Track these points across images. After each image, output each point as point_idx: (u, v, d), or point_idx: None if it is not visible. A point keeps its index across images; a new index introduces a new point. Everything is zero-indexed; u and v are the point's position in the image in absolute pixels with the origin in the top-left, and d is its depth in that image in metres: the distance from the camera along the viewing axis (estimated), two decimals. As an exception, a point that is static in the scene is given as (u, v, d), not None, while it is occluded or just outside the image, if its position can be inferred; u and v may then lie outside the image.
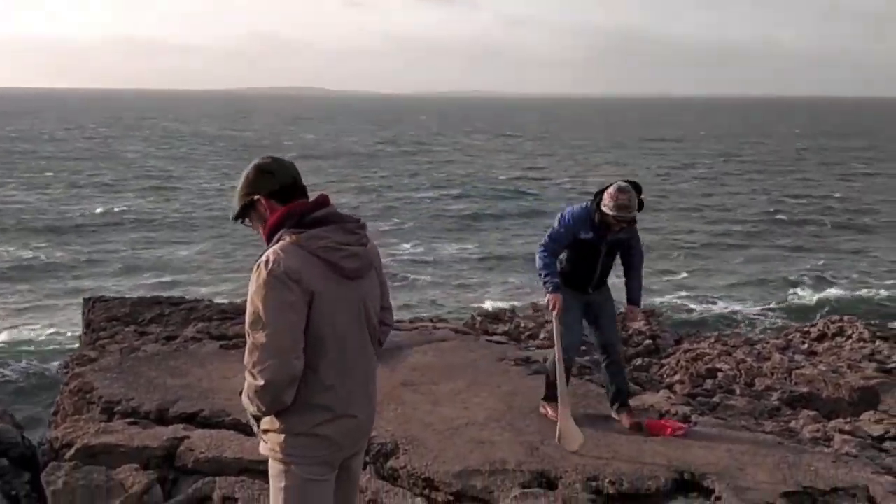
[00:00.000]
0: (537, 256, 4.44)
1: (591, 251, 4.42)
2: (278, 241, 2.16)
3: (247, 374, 2.14)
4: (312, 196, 2.28)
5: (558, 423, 4.22)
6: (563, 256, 4.50)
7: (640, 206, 4.33)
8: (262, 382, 2.08)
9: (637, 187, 4.32)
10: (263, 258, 2.13)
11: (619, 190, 4.20)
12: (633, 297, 4.65)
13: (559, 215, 4.50)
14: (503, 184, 35.18)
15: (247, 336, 2.14)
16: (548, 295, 4.38)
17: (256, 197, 2.22)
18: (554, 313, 4.38)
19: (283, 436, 2.21)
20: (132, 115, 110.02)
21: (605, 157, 51.04)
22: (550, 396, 4.53)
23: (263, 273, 2.09)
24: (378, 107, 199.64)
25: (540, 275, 4.43)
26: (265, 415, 2.19)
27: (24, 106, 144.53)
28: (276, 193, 2.20)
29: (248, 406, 2.19)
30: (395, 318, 2.76)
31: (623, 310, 5.10)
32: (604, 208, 4.24)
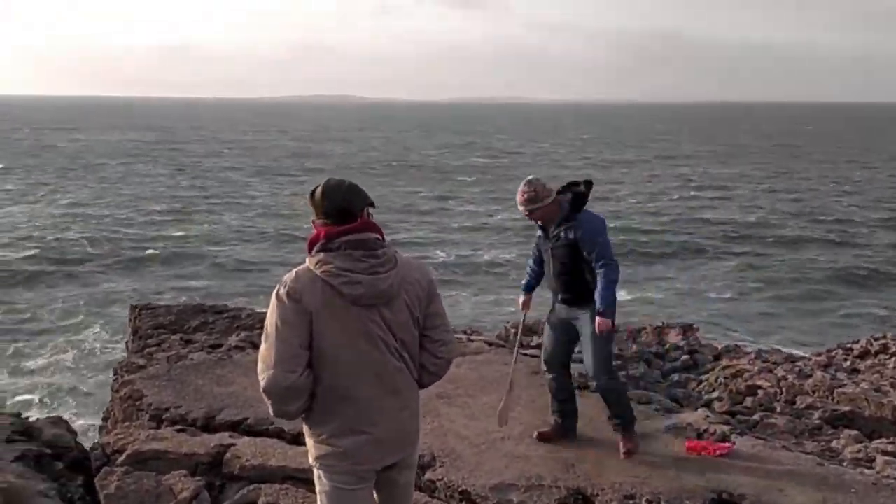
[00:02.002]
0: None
1: (543, 252, 4.43)
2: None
3: None
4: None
5: (504, 402, 4.57)
6: None
7: (578, 201, 4.19)
8: (262, 390, 2.33)
9: (587, 184, 4.27)
10: (283, 278, 2.39)
11: (523, 184, 4.21)
12: (597, 307, 4.17)
13: None
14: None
15: None
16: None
17: (312, 220, 2.47)
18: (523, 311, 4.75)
19: (311, 441, 2.45)
20: (183, 125, 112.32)
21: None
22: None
23: (274, 292, 2.35)
24: (421, 114, 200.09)
25: None
26: (277, 417, 2.42)
27: (75, 114, 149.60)
28: (320, 216, 2.42)
29: None
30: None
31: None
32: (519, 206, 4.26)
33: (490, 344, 7.15)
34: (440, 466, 4.23)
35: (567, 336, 4.45)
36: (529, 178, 4.25)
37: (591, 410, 5.08)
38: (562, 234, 4.21)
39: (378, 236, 2.41)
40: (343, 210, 2.38)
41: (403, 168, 47.96)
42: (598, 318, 4.13)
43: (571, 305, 4.35)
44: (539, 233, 4.42)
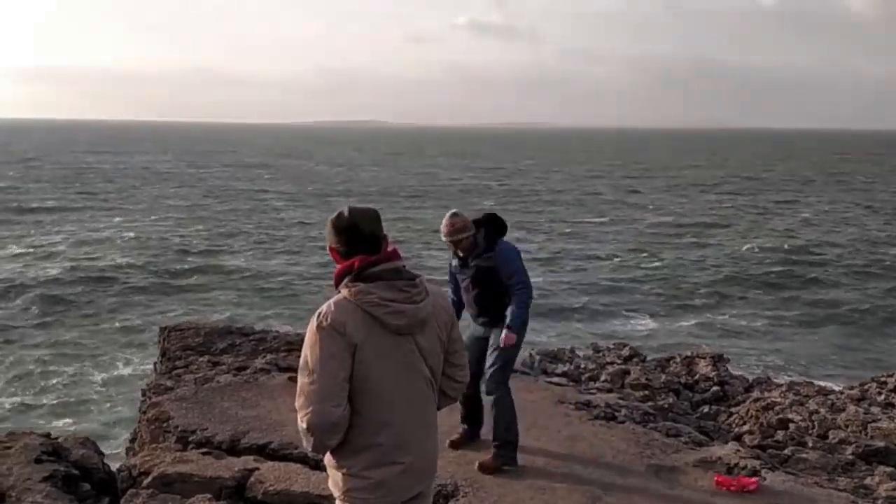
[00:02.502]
0: None
1: (460, 280, 4.73)
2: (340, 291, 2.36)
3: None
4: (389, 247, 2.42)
5: None
6: None
7: (498, 232, 4.61)
8: (304, 426, 2.26)
9: (497, 219, 4.66)
10: (320, 309, 2.33)
11: (449, 216, 4.58)
12: (507, 322, 4.55)
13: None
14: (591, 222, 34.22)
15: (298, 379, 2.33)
16: None
17: (330, 246, 2.43)
18: None
19: (339, 474, 2.37)
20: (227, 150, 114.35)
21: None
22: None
23: (314, 324, 2.29)
24: (449, 139, 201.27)
25: None
26: (314, 454, 2.34)
27: (105, 137, 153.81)
28: (344, 245, 2.38)
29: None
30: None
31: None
32: (443, 238, 4.60)
33: (514, 371, 7.10)
34: (463, 496, 4.19)
35: (480, 353, 4.73)
36: (454, 211, 4.67)
37: (620, 443, 5.01)
38: (480, 263, 4.59)
39: (405, 264, 2.43)
40: (369, 238, 2.36)
41: (428, 192, 48.26)
42: (505, 331, 4.52)
43: (489, 326, 4.72)
44: (454, 262, 4.74)
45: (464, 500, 4.15)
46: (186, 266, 22.91)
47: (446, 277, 4.93)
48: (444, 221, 4.59)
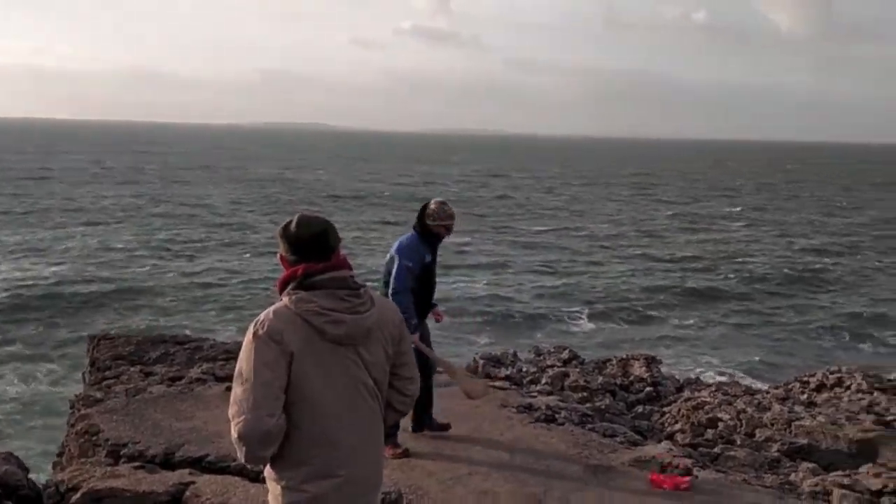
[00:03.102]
0: (398, 303, 4.56)
1: (430, 272, 4.93)
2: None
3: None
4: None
5: (461, 386, 4.93)
6: None
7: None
8: (236, 435, 2.21)
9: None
10: (258, 317, 2.29)
11: (442, 203, 4.87)
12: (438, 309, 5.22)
13: (397, 255, 4.80)
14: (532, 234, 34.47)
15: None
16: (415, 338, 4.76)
17: (280, 255, 2.40)
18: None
19: (277, 487, 2.32)
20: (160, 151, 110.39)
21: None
22: (391, 435, 4.79)
23: (250, 332, 2.26)
24: (393, 144, 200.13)
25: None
26: (249, 465, 2.29)
27: (35, 136, 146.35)
28: (293, 252, 2.35)
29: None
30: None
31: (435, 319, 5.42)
32: (436, 223, 4.81)
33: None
34: (406, 503, 4.19)
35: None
36: (439, 199, 4.93)
37: (559, 444, 5.11)
38: (437, 255, 4.95)
39: (353, 274, 2.40)
40: (318, 247, 2.33)
41: (371, 198, 47.98)
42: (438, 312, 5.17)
43: (424, 316, 5.03)
44: (428, 258, 4.87)
45: (407, 507, 4.15)
46: (117, 274, 22.03)
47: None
48: (440, 208, 4.81)
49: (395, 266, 4.77)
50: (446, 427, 5.24)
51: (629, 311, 19.54)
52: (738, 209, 46.77)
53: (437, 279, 5.11)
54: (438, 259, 5.03)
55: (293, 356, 2.23)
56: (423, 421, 5.19)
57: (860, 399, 7.78)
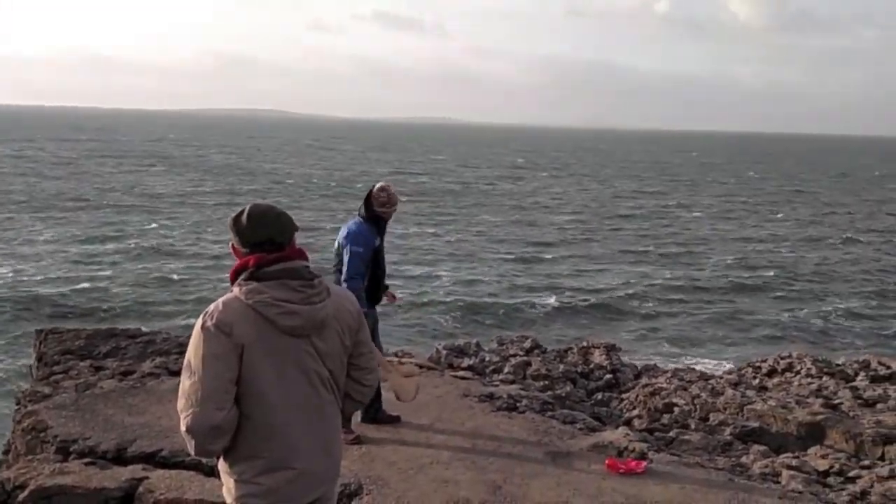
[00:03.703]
0: (351, 289, 4.48)
1: (379, 255, 5.00)
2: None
3: None
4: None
5: (390, 384, 4.83)
6: None
7: None
8: (184, 428, 2.17)
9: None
10: (207, 308, 2.23)
11: (384, 186, 4.95)
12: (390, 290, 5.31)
13: (347, 241, 4.86)
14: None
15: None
16: None
17: (232, 245, 2.34)
18: None
19: (231, 480, 2.28)
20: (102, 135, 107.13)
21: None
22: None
23: (199, 323, 2.20)
24: (352, 131, 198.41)
25: None
26: (203, 458, 2.24)
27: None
28: (245, 243, 2.30)
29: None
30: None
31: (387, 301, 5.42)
32: (382, 208, 4.89)
33: (421, 367, 7.14)
34: (367, 494, 4.17)
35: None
36: (382, 184, 4.96)
37: (520, 432, 5.15)
38: (384, 237, 5.03)
39: (308, 264, 2.35)
40: (271, 238, 2.28)
41: (340, 188, 47.52)
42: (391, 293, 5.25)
43: (378, 301, 5.10)
44: (376, 242, 4.94)
45: (367, 498, 4.13)
46: (67, 267, 21.35)
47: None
48: (383, 192, 4.86)
49: (346, 253, 4.81)
50: (396, 419, 5.21)
51: (593, 300, 19.81)
52: (693, 196, 48.05)
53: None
54: (388, 246, 5.12)
55: (244, 348, 2.19)
56: (371, 412, 5.13)
57: (809, 383, 8.05)
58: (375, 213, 4.88)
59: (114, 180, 46.38)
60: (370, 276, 4.93)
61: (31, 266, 21.29)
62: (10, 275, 20.05)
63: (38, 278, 19.80)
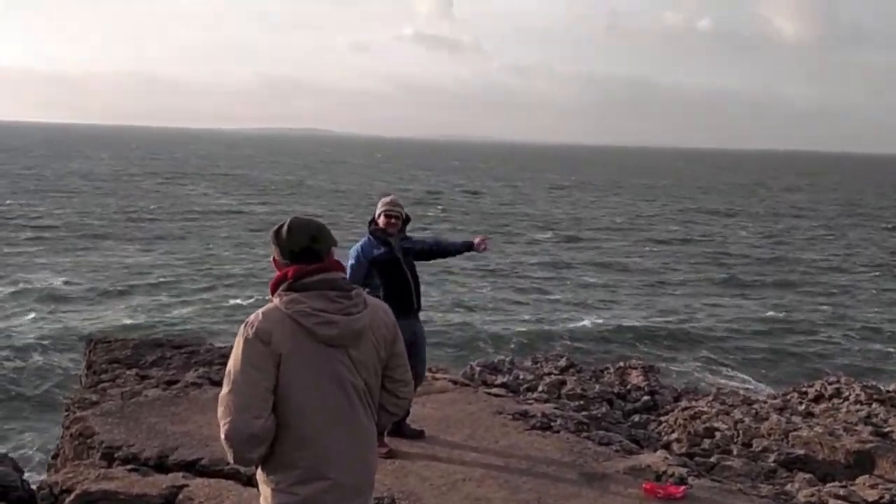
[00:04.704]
0: None
1: (393, 264, 4.89)
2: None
3: None
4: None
5: None
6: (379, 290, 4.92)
7: (407, 220, 5.06)
8: (223, 437, 2.22)
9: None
10: (248, 318, 2.29)
11: (386, 196, 5.09)
12: (464, 242, 5.15)
13: (351, 257, 4.95)
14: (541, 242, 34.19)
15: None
16: None
17: (273, 258, 2.42)
18: None
19: (268, 489, 2.32)
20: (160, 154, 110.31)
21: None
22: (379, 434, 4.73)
23: (240, 332, 2.26)
24: (393, 150, 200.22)
25: None
26: (237, 465, 2.35)
27: (35, 139, 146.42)
28: (285, 255, 2.37)
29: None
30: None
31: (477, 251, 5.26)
32: (380, 217, 4.92)
33: (455, 383, 7.14)
34: (399, 509, 4.18)
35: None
36: (387, 196, 5.07)
37: (555, 452, 5.10)
38: (406, 246, 4.92)
39: (345, 276, 2.41)
40: (310, 250, 2.34)
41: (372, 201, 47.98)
42: (475, 243, 5.06)
43: (415, 315, 4.94)
44: (378, 250, 4.85)
45: (400, 513, 4.14)
46: (120, 276, 22.03)
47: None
48: (383, 202, 4.96)
49: None
50: (420, 434, 5.21)
51: (630, 317, 19.52)
52: (739, 213, 46.86)
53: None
54: (413, 253, 4.94)
55: (281, 357, 2.23)
56: (394, 425, 5.08)
57: (858, 410, 7.77)
58: (376, 223, 4.98)
59: (170, 194, 47.76)
60: (387, 286, 4.89)
61: (89, 269, 22.04)
62: (66, 282, 20.80)
63: (93, 284, 20.47)
